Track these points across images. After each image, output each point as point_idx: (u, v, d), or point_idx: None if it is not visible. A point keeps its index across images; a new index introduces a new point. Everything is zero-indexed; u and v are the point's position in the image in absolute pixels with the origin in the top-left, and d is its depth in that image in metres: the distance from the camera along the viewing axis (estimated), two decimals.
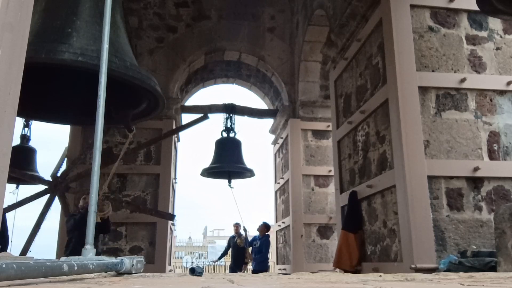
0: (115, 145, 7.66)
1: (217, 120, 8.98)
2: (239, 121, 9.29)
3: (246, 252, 9.18)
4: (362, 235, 4.97)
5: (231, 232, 9.87)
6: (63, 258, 1.84)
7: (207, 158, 11.30)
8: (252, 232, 9.93)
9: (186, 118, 8.71)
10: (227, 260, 11.17)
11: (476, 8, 3.83)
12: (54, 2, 3.97)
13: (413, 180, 3.91)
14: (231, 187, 8.71)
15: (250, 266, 9.58)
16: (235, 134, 8.74)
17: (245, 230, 9.28)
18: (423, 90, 4.21)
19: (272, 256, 10.31)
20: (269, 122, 9.77)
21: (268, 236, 8.73)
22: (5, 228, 5.63)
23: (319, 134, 8.18)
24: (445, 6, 4.47)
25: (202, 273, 2.30)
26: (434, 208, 3.91)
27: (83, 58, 3.45)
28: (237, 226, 9.35)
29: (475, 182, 4.04)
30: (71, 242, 5.29)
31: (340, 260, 4.99)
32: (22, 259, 1.92)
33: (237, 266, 9.05)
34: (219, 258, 11.05)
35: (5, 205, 5.33)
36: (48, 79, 4.30)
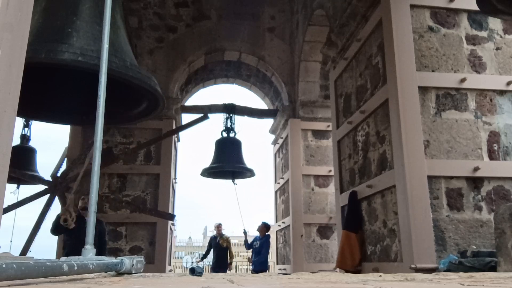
0: (115, 145, 7.67)
1: (217, 120, 9.00)
2: (239, 121, 9.31)
3: (230, 252, 9.22)
4: (363, 235, 4.97)
5: (231, 232, 9.88)
6: (63, 258, 1.84)
7: (207, 158, 11.32)
8: (252, 232, 9.91)
9: (186, 118, 8.73)
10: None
11: (476, 8, 3.83)
12: (54, 2, 3.97)
13: (413, 180, 3.91)
14: (234, 183, 8.73)
15: (250, 266, 9.57)
16: (235, 134, 8.74)
17: (245, 232, 9.28)
18: (423, 90, 4.21)
19: (272, 256, 10.30)
20: (269, 122, 9.78)
21: (269, 236, 8.72)
22: None
23: (319, 134, 8.18)
24: (445, 6, 4.47)
25: (202, 273, 2.30)
26: (434, 208, 3.91)
27: (83, 58, 3.45)
28: (219, 226, 9.40)
29: (475, 182, 4.04)
30: (66, 245, 5.34)
31: (342, 261, 4.99)
32: (22, 259, 1.92)
33: (219, 266, 9.00)
34: (202, 259, 11.05)
35: (5, 205, 5.34)
36: (48, 79, 4.31)
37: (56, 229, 5.33)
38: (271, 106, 9.70)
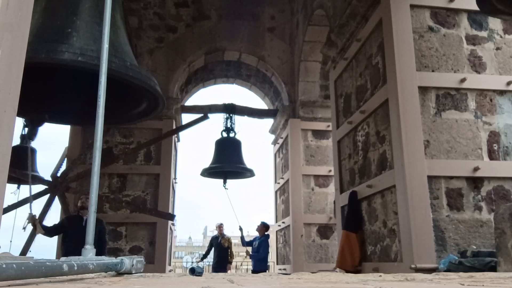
0: (115, 145, 7.67)
1: (217, 120, 9.00)
2: (239, 121, 9.31)
3: (231, 253, 9.21)
4: (363, 235, 4.97)
5: (231, 232, 9.87)
6: (63, 258, 1.84)
7: (207, 158, 11.32)
8: (252, 232, 9.90)
9: (186, 118, 8.73)
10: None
11: (476, 8, 3.83)
12: (54, 2, 3.97)
13: (413, 180, 3.91)
14: (225, 188, 8.72)
15: (250, 266, 9.56)
16: (235, 134, 8.75)
17: (240, 229, 9.27)
18: (423, 90, 4.21)
19: (272, 256, 10.28)
20: (269, 122, 9.79)
21: (268, 236, 8.70)
22: None
23: (319, 134, 8.18)
24: (445, 6, 4.47)
25: (202, 273, 2.30)
26: (434, 208, 3.91)
27: (83, 58, 3.46)
28: (220, 226, 9.37)
29: (475, 182, 4.04)
30: (64, 245, 5.34)
31: (342, 261, 4.99)
32: (22, 259, 1.92)
33: (220, 266, 9.01)
34: (202, 259, 11.05)
35: (5, 205, 5.34)
36: (48, 79, 4.31)
37: (45, 234, 5.33)
38: (271, 106, 9.70)
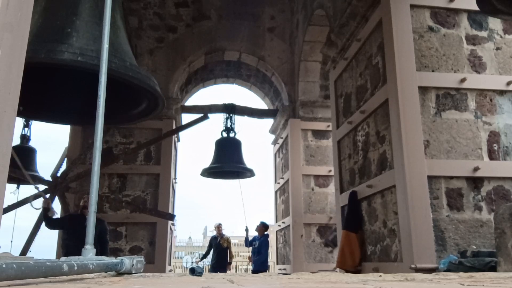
0: (115, 145, 7.67)
1: (217, 120, 9.01)
2: (239, 121, 9.32)
3: (230, 253, 9.23)
4: (363, 235, 4.97)
5: (231, 232, 9.85)
6: (63, 258, 1.83)
7: (207, 158, 11.31)
8: (252, 232, 9.91)
9: (186, 118, 8.73)
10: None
11: (476, 8, 3.83)
12: (54, 2, 3.97)
13: (413, 180, 3.91)
14: (239, 181, 8.77)
15: (250, 266, 9.55)
16: (235, 134, 8.75)
17: (247, 230, 9.28)
18: (423, 90, 4.21)
19: (272, 256, 10.27)
20: (269, 122, 9.79)
21: (267, 235, 8.71)
22: None
23: (319, 134, 8.18)
24: (445, 6, 4.48)
25: (202, 273, 2.30)
26: (434, 208, 3.91)
27: (83, 58, 3.46)
28: (219, 226, 9.38)
29: (475, 182, 4.04)
30: (65, 245, 5.39)
31: (342, 261, 4.99)
32: (22, 259, 1.92)
33: (219, 266, 9.01)
34: (202, 259, 11.09)
35: (5, 205, 5.35)
36: (48, 79, 4.31)
37: (47, 221, 5.40)
38: (271, 106, 9.70)
